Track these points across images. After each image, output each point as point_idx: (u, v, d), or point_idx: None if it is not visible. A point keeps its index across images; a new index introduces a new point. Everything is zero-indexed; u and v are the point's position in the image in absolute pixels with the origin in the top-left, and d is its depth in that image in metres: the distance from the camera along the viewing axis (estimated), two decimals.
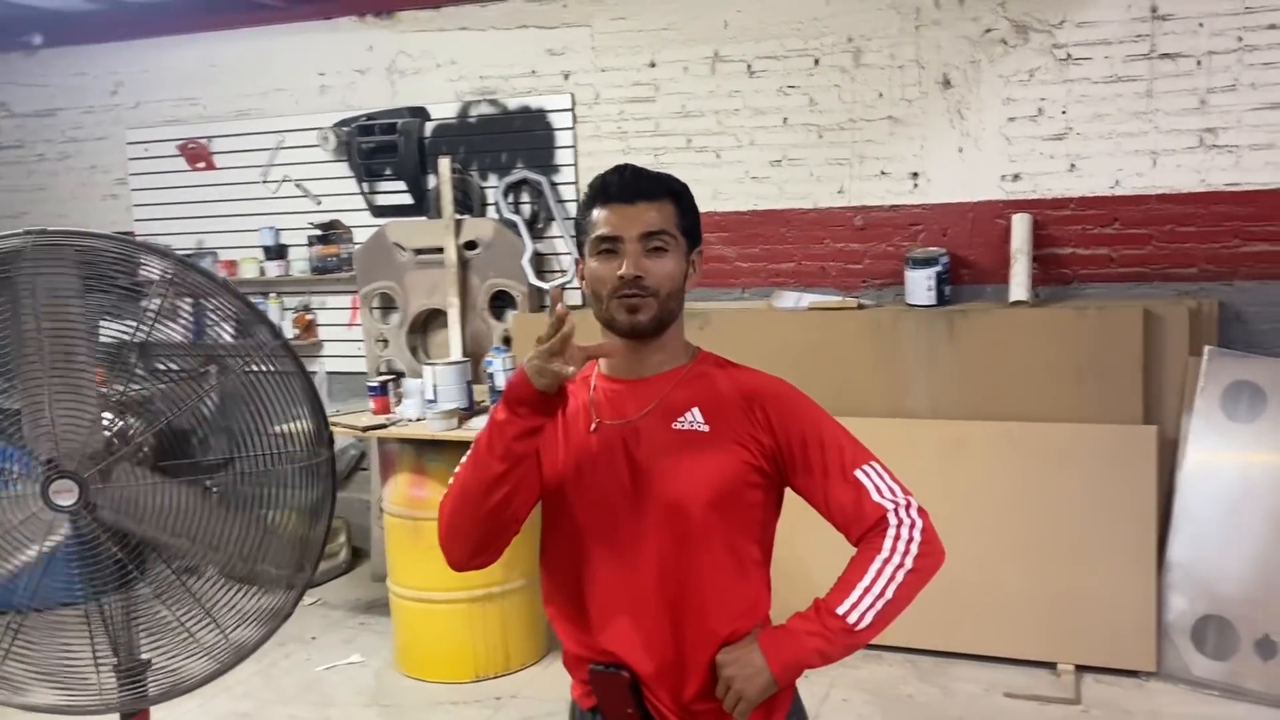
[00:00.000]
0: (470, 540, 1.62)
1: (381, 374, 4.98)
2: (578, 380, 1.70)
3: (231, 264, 5.58)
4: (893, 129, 4.48)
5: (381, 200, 5.31)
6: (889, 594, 1.56)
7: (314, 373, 5.51)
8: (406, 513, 3.98)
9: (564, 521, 1.68)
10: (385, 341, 5.23)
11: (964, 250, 4.43)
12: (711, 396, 1.66)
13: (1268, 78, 3.98)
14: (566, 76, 4.95)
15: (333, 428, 3.95)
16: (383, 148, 5.16)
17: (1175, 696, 3.66)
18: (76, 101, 5.90)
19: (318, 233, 5.40)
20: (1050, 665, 3.85)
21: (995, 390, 4.09)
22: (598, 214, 1.63)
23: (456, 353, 4.94)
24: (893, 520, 1.60)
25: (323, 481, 1.87)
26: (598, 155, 4.93)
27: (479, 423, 3.86)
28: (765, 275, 4.73)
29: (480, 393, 4.24)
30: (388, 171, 5.23)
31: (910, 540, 1.59)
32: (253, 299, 5.51)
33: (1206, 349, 3.92)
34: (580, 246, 1.69)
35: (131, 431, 1.89)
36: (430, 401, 3.93)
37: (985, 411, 4.09)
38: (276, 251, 5.50)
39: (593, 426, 1.66)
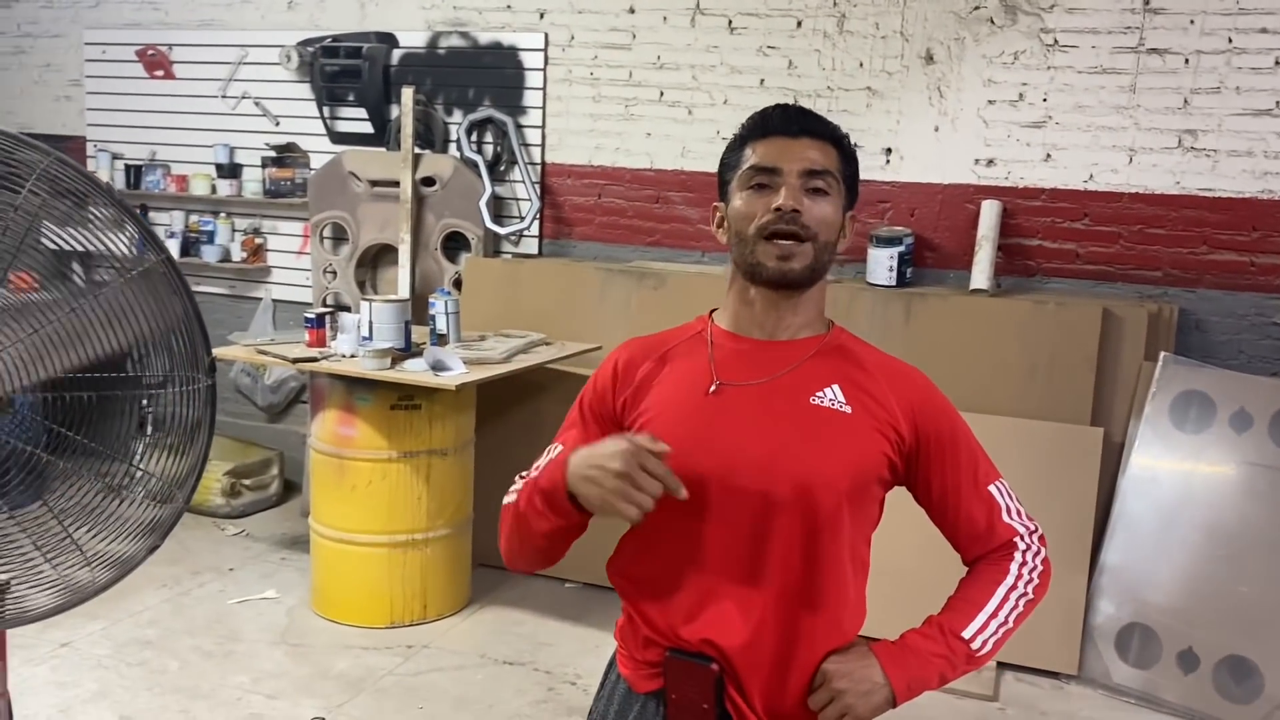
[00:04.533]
0: (532, 564, 1.55)
1: (326, 306, 4.83)
2: (691, 335, 1.55)
3: (182, 179, 5.39)
4: (870, 101, 4.34)
5: (342, 126, 5.13)
6: (1010, 622, 1.52)
7: (260, 299, 5.37)
8: (333, 450, 3.86)
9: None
10: (334, 273, 5.07)
11: (930, 233, 4.32)
12: (853, 375, 1.49)
13: (1254, 83, 3.87)
14: (542, 15, 4.77)
15: (262, 356, 3.89)
16: (346, 72, 4.97)
17: (1092, 701, 3.62)
18: None
19: (273, 154, 5.21)
20: None
21: (946, 378, 3.87)
22: (751, 148, 1.47)
23: (404, 291, 4.79)
24: (1020, 545, 1.56)
25: (200, 410, 1.74)
26: (567, 100, 4.76)
27: (413, 365, 3.74)
28: None
29: (421, 334, 4.10)
30: (350, 97, 5.04)
31: (1034, 569, 1.55)
32: (202, 218, 5.38)
33: (1162, 355, 3.84)
34: (722, 188, 1.53)
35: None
36: (365, 339, 3.79)
37: None
38: (230, 170, 5.31)
39: (712, 388, 1.47)
